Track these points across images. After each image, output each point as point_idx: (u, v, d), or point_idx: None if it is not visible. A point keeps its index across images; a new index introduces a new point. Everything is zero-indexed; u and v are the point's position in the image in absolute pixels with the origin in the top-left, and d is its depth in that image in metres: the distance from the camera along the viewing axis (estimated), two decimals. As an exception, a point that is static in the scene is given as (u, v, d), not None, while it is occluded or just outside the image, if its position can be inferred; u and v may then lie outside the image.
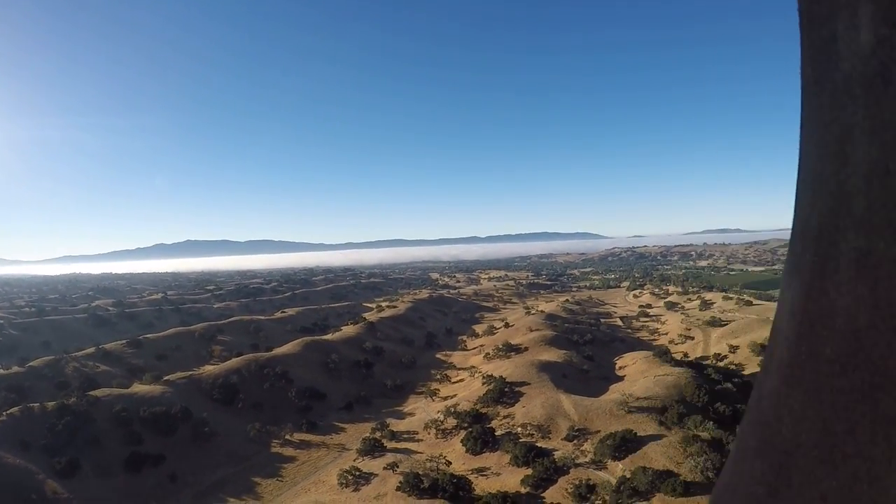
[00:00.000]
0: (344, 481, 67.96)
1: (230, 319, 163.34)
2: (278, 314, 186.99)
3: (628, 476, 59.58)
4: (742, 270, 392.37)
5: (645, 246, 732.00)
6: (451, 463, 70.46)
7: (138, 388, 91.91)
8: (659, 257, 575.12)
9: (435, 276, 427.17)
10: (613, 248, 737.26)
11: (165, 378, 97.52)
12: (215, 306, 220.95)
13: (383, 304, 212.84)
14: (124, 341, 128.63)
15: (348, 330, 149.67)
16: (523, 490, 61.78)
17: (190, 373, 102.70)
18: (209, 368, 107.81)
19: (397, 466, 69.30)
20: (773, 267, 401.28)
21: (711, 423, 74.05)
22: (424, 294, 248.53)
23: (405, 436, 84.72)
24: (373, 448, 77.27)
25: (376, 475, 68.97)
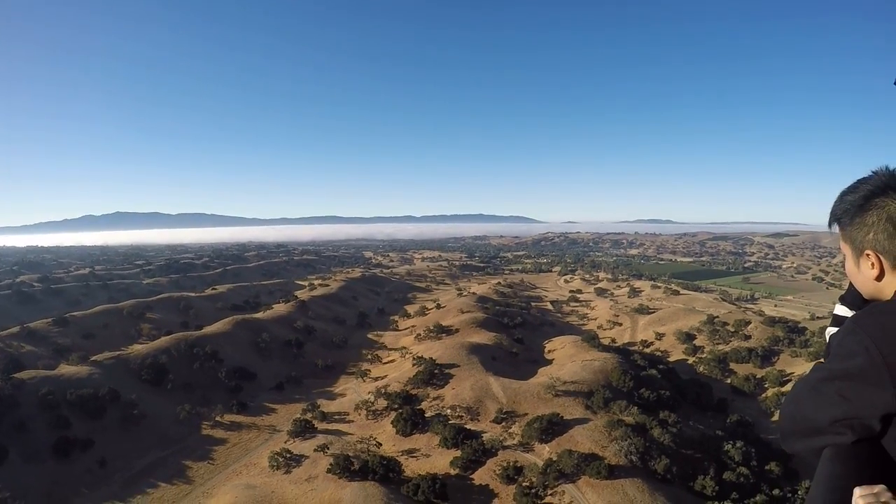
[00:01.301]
0: (275, 463, 67.69)
1: (160, 296, 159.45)
2: (209, 291, 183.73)
3: (555, 459, 60.95)
4: (671, 260, 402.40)
5: (578, 232, 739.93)
6: (381, 444, 70.93)
7: (65, 369, 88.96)
8: (591, 244, 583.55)
9: (369, 254, 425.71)
10: (547, 234, 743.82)
11: (93, 358, 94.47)
12: (144, 282, 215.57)
13: (316, 283, 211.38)
14: (50, 319, 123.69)
15: (280, 308, 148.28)
16: (452, 471, 62.62)
17: (118, 352, 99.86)
18: (138, 347, 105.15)
19: (328, 448, 69.20)
20: (701, 258, 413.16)
21: (636, 407, 76.37)
22: (357, 273, 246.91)
23: (336, 417, 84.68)
24: (304, 429, 76.98)
25: (307, 457, 68.83)
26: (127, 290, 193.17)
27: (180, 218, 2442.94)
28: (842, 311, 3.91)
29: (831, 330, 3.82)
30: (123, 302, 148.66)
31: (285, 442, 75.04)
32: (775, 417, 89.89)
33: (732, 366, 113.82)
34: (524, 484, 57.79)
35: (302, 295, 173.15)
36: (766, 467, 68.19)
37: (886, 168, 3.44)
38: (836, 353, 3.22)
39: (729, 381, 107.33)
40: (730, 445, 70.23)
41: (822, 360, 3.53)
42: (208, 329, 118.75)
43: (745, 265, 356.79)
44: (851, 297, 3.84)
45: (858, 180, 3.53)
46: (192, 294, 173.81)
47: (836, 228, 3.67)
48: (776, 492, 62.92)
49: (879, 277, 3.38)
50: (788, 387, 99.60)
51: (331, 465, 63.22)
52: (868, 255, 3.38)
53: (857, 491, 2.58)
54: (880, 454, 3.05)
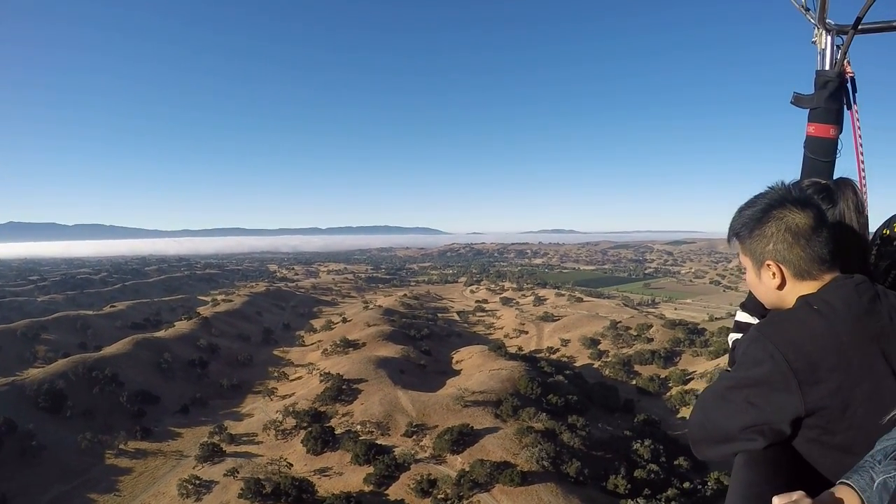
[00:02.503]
0: (184, 491, 65.05)
1: (55, 315, 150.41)
2: (108, 308, 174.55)
3: (468, 469, 61.14)
4: (574, 269, 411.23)
5: (483, 243, 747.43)
6: (292, 465, 69.35)
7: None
8: (496, 254, 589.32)
9: (273, 267, 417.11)
10: (452, 244, 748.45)
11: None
12: (39, 300, 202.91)
13: (219, 298, 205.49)
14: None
15: (182, 326, 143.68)
16: (367, 488, 61.96)
17: (13, 378, 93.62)
18: (33, 372, 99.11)
19: (238, 472, 67.24)
20: (604, 266, 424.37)
21: (544, 414, 77.67)
22: (262, 287, 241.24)
23: (244, 438, 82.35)
24: (212, 453, 74.35)
25: (217, 482, 66.62)
26: (20, 309, 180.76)
27: (77, 229, 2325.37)
28: (743, 317, 4.03)
29: (734, 336, 3.94)
30: (17, 322, 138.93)
31: (193, 468, 72.04)
32: (681, 414, 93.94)
33: (637, 368, 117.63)
34: (439, 496, 57.77)
35: (204, 311, 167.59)
36: (675, 462, 70.74)
37: (782, 183, 3.57)
38: (741, 361, 3.27)
39: (634, 382, 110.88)
40: (638, 444, 72.43)
41: (727, 368, 3.59)
42: (108, 350, 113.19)
43: (646, 271, 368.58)
44: (752, 304, 3.95)
45: (755, 196, 3.61)
46: (90, 312, 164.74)
47: (735, 243, 3.71)
48: (686, 485, 65.34)
49: (781, 286, 3.44)
50: (691, 384, 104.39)
51: (242, 489, 61.35)
52: (769, 265, 3.44)
53: (776, 500, 2.49)
54: (792, 457, 3.12)
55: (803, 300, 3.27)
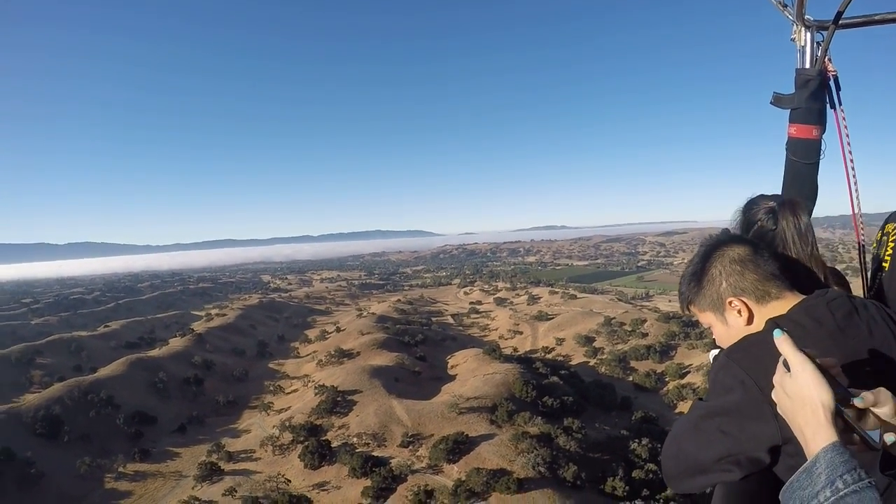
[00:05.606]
0: (185, 513, 65.01)
1: (49, 338, 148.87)
2: (102, 329, 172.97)
3: (464, 478, 60.94)
4: (568, 265, 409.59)
5: (476, 243, 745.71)
6: (290, 481, 69.19)
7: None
8: (489, 254, 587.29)
9: (267, 278, 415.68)
10: (445, 246, 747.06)
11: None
12: (33, 322, 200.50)
13: (212, 312, 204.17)
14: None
15: (175, 343, 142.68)
16: (365, 501, 61.68)
17: (9, 405, 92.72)
18: (30, 398, 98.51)
19: (237, 490, 66.99)
20: (597, 261, 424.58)
21: (540, 417, 77.28)
22: (255, 299, 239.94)
23: (242, 455, 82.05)
24: (210, 472, 73.99)
25: (216, 503, 66.43)
26: (14, 333, 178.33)
27: (69, 248, 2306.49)
28: None
29: (715, 352, 3.76)
30: (11, 347, 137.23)
31: (193, 488, 71.69)
32: (678, 409, 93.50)
33: (633, 364, 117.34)
34: (436, 507, 57.74)
35: (198, 327, 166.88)
36: (674, 460, 70.24)
37: (711, 235, 3.60)
38: (712, 388, 3.12)
39: (630, 378, 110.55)
40: (636, 444, 71.78)
41: (701, 397, 3.37)
42: (102, 372, 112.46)
43: (639, 264, 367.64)
44: None
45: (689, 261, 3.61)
46: (84, 333, 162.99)
47: (691, 310, 3.65)
48: (685, 483, 64.91)
49: (750, 320, 3.30)
50: (688, 378, 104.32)
51: (240, 508, 61.45)
52: (731, 302, 3.33)
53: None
54: (773, 486, 2.88)
55: (772, 322, 3.08)
